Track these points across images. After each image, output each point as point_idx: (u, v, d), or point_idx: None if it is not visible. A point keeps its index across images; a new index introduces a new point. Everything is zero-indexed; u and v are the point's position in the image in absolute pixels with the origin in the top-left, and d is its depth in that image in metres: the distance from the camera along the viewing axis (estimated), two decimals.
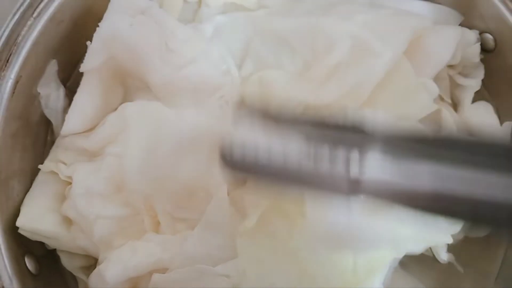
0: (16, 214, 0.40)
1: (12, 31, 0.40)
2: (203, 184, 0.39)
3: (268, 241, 0.37)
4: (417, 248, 0.37)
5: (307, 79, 0.45)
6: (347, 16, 0.44)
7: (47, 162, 0.43)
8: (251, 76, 0.45)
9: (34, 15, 0.41)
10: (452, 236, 0.39)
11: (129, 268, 0.37)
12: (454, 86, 0.45)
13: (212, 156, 0.39)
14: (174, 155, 0.41)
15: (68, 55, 0.45)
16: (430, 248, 0.42)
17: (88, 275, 0.41)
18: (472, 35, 0.45)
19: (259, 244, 0.36)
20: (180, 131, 0.41)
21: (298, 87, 0.44)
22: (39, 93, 0.43)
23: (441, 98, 0.45)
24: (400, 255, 0.40)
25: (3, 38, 0.40)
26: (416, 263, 0.42)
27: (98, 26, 0.43)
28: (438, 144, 0.24)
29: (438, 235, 0.38)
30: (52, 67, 0.44)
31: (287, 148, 0.25)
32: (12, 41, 0.40)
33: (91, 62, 0.43)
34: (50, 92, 0.44)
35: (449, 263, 0.42)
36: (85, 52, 0.43)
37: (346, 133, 0.25)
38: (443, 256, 0.42)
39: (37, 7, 0.41)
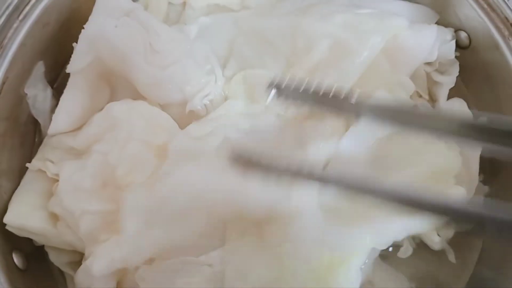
0: (4, 211, 0.40)
1: None
2: None
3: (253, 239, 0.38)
4: (398, 236, 0.38)
5: None
6: (326, 15, 0.45)
7: (35, 160, 0.44)
8: (235, 75, 0.47)
9: (20, 17, 0.42)
10: (441, 230, 0.41)
11: (115, 261, 0.38)
12: (431, 83, 0.47)
13: None
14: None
15: (54, 56, 0.46)
16: (413, 238, 0.43)
17: (76, 270, 0.42)
18: (447, 33, 0.46)
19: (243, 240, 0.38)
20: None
21: None
22: (26, 94, 0.44)
23: (418, 95, 0.47)
24: (382, 247, 0.41)
25: None
26: (396, 255, 0.43)
27: (83, 28, 0.44)
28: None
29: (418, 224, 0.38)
30: (39, 68, 0.45)
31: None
32: None
33: (77, 63, 0.44)
34: (37, 93, 0.45)
35: (428, 254, 0.44)
36: (72, 53, 0.44)
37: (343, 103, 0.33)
38: (436, 240, 0.43)
39: (23, 9, 0.42)
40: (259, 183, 0.35)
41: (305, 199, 0.37)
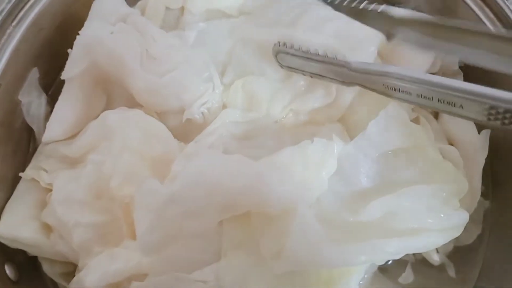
0: None
1: None
2: None
3: (248, 254, 0.37)
4: (395, 255, 0.37)
5: (289, 86, 0.45)
6: (317, 25, 0.44)
7: (28, 169, 0.43)
8: (234, 82, 0.45)
9: (14, 23, 0.41)
10: (443, 246, 0.39)
11: (108, 274, 0.38)
12: None
13: None
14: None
15: (49, 62, 0.46)
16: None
17: (69, 281, 0.41)
18: None
19: (239, 255, 0.37)
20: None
21: (281, 94, 0.45)
22: (21, 101, 0.43)
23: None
24: (379, 263, 0.40)
25: None
26: (395, 268, 0.42)
27: (78, 33, 0.43)
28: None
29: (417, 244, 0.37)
30: (34, 74, 0.44)
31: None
32: None
33: (72, 69, 0.43)
34: (32, 99, 0.44)
35: (428, 268, 0.43)
36: (67, 59, 0.43)
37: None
38: (435, 258, 0.42)
39: (17, 15, 0.41)
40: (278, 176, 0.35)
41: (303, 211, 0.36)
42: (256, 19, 0.46)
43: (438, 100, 0.34)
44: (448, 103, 0.33)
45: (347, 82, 0.40)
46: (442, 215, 0.37)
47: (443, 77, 0.34)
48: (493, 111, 0.31)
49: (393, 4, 0.48)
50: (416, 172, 0.38)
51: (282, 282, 0.36)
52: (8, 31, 0.41)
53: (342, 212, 0.37)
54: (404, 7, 0.47)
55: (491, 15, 0.43)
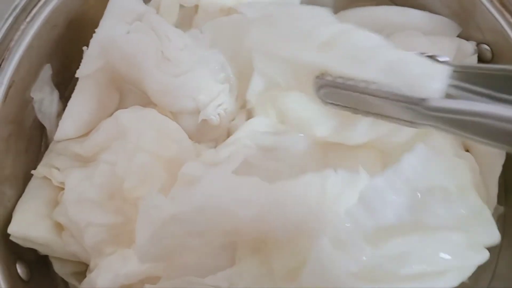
0: (8, 220, 0.39)
1: (5, 36, 0.39)
2: None
3: (263, 261, 0.36)
4: None
5: (327, 115, 0.40)
6: (361, 54, 0.35)
7: (40, 167, 0.43)
8: (265, 92, 0.43)
9: (28, 19, 0.40)
10: None
11: (120, 276, 0.37)
12: None
13: None
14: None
15: (62, 59, 0.45)
16: None
17: (80, 281, 0.41)
18: (469, 46, 0.44)
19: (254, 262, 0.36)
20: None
21: (317, 122, 0.40)
22: (33, 98, 0.43)
23: None
24: None
25: None
26: None
27: (94, 31, 0.42)
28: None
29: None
30: (46, 71, 0.44)
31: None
32: (5, 46, 0.39)
33: (87, 67, 0.43)
34: (44, 96, 0.44)
35: None
36: (81, 56, 0.43)
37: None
38: None
39: (30, 11, 0.41)
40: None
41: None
42: (273, 23, 0.41)
43: None
44: None
45: (417, 122, 0.33)
46: (464, 259, 0.34)
47: None
48: None
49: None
50: (450, 216, 0.34)
51: None
52: (22, 27, 0.40)
53: (362, 246, 0.34)
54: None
55: (511, 19, 0.42)
